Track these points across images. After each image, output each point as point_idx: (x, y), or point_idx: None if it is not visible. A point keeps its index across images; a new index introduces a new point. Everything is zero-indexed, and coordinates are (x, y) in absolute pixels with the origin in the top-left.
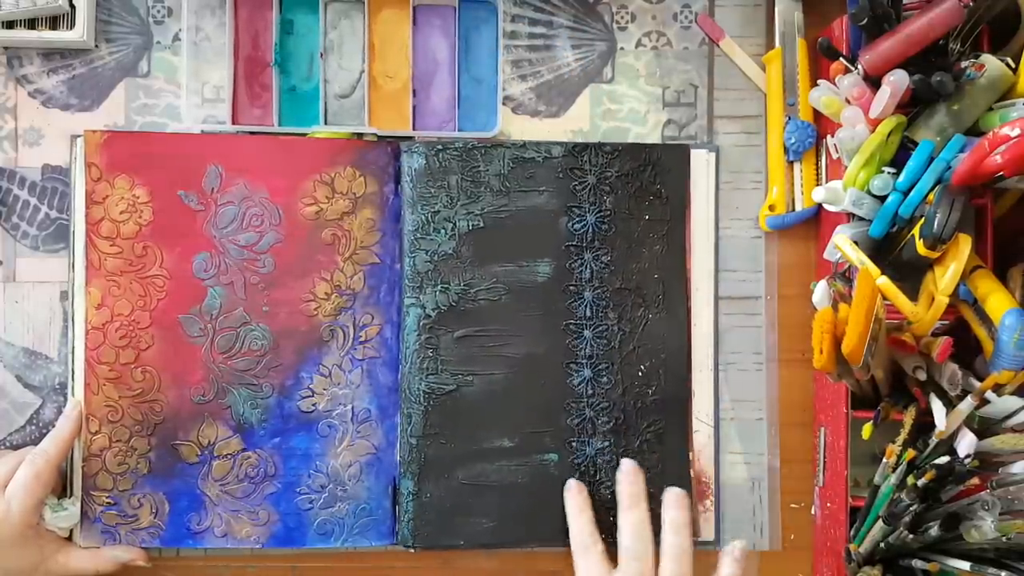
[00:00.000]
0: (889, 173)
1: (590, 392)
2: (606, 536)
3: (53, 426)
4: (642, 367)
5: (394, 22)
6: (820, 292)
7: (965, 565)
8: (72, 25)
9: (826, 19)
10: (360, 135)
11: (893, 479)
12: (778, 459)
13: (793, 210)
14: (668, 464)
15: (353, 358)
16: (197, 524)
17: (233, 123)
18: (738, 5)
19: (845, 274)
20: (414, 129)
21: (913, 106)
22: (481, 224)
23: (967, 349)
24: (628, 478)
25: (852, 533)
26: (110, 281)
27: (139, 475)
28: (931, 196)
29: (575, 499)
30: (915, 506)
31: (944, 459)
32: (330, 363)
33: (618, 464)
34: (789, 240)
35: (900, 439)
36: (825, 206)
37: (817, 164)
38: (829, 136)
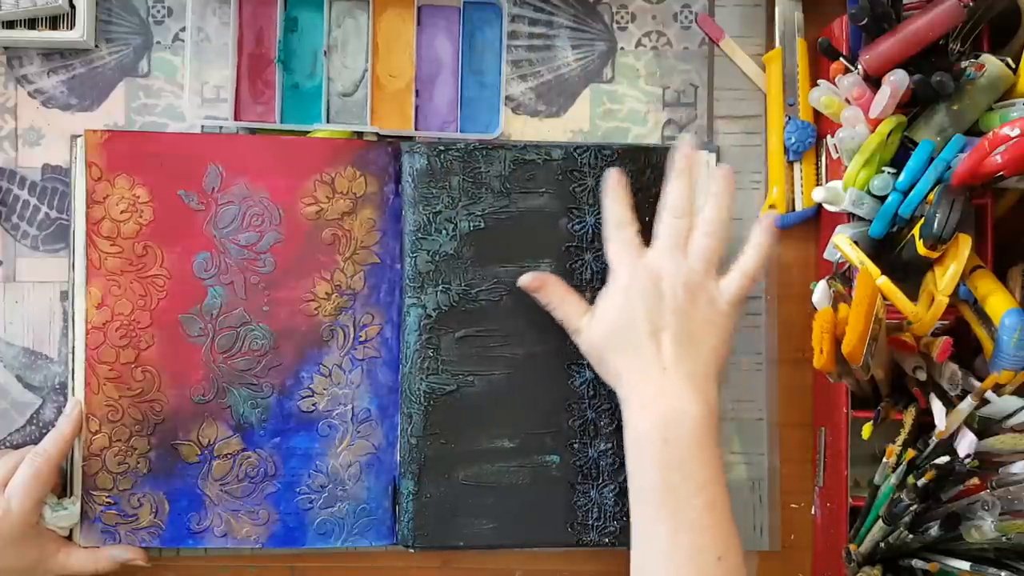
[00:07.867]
0: (889, 173)
1: (591, 393)
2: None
3: (53, 426)
4: None
5: (398, 21)
6: (820, 292)
7: (965, 565)
8: (72, 25)
9: (826, 19)
10: (361, 134)
11: (893, 479)
12: (778, 459)
13: (793, 210)
14: None
15: (353, 358)
16: (197, 524)
17: (235, 120)
18: (738, 5)
19: (845, 274)
20: (416, 129)
21: (913, 106)
22: (482, 225)
23: (967, 349)
24: (683, 150)
25: (852, 533)
26: (110, 281)
27: (139, 475)
28: (931, 196)
29: (614, 188)
30: (915, 506)
31: (944, 459)
32: (330, 363)
33: (621, 465)
34: (789, 240)
35: (900, 439)
36: (825, 206)
37: (817, 164)
38: (829, 136)
